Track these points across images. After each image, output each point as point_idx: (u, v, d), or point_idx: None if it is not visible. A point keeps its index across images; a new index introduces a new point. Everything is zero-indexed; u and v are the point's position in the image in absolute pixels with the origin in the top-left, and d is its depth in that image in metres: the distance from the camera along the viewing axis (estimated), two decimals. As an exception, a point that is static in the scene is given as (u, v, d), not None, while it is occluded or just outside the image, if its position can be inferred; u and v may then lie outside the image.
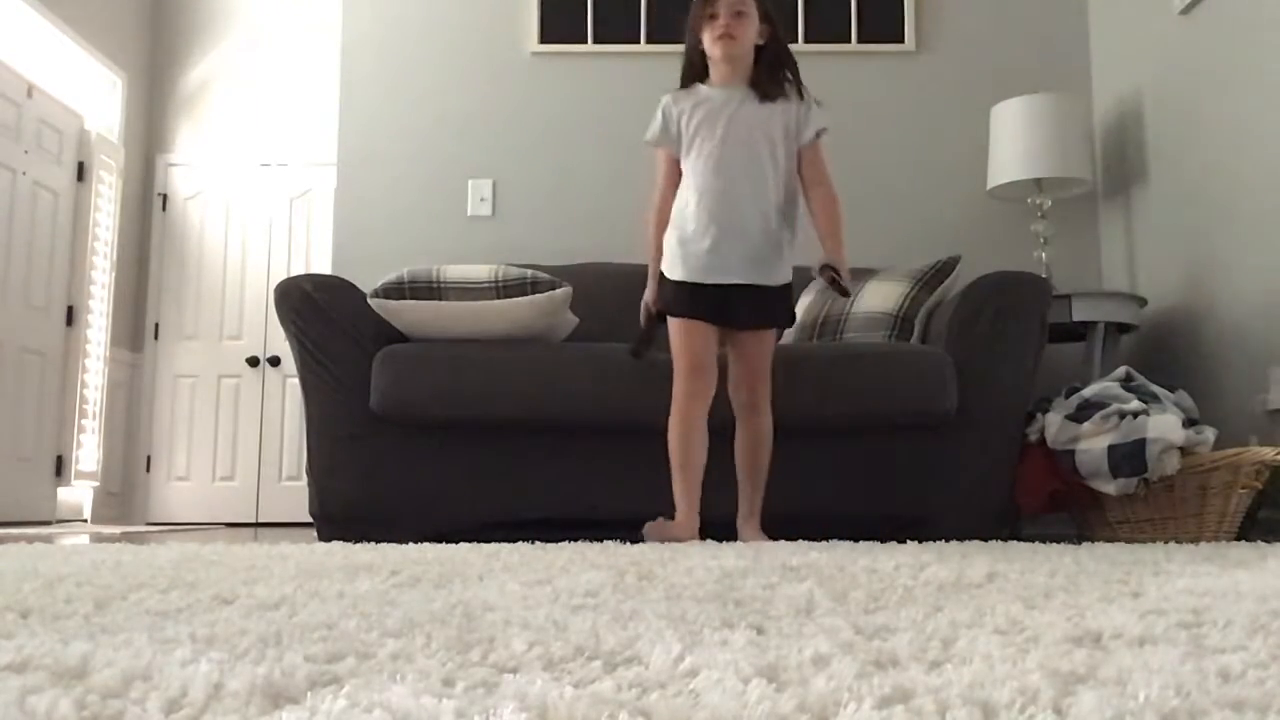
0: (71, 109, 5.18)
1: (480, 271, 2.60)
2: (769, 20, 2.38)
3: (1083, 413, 2.47)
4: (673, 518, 2.32)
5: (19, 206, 4.73)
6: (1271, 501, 2.48)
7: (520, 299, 2.56)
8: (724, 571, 1.31)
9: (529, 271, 2.61)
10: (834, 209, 2.40)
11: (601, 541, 2.13)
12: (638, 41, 3.77)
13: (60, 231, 5.07)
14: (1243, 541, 2.22)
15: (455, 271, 2.61)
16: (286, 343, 2.70)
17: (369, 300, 2.62)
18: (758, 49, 2.38)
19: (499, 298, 2.56)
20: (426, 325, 2.61)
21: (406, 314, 2.59)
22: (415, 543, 2.19)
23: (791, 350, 2.86)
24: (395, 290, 2.59)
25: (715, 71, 2.40)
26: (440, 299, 2.57)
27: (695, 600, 1.02)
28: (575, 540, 2.24)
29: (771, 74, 2.38)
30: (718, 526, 2.37)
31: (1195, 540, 2.32)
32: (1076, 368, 3.30)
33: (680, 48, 3.89)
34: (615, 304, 2.99)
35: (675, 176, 2.43)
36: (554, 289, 2.57)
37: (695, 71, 2.43)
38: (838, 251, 2.34)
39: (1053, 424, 2.50)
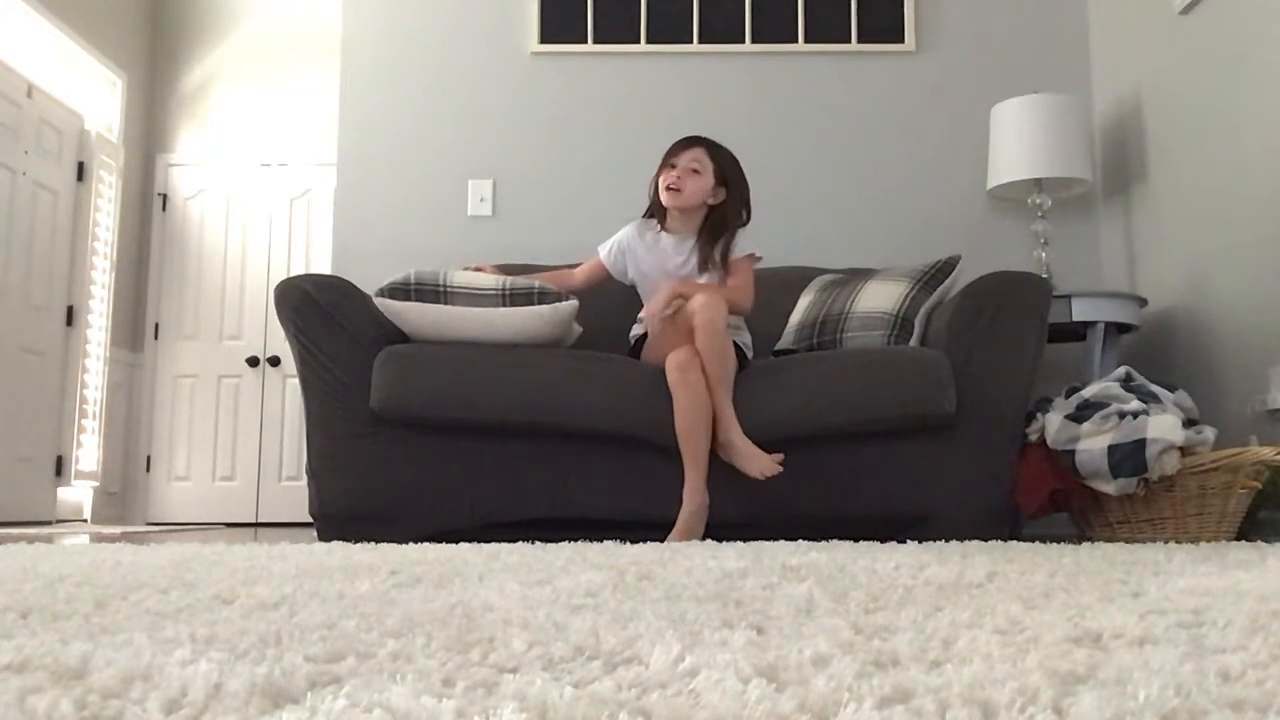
0: (71, 109, 5.18)
1: (487, 280, 2.62)
2: (726, 184, 2.68)
3: (1083, 413, 2.46)
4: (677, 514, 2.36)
5: (19, 206, 4.73)
6: (1271, 501, 2.47)
7: (526, 309, 2.57)
8: (724, 571, 1.31)
9: (536, 282, 2.62)
10: (731, 295, 2.58)
11: (601, 541, 2.13)
12: (638, 41, 3.77)
13: (60, 231, 5.07)
14: (1243, 541, 2.22)
15: (462, 277, 2.62)
16: (286, 343, 2.70)
17: (374, 299, 2.62)
18: (711, 206, 2.69)
19: (505, 306, 2.57)
20: (430, 328, 2.61)
21: (411, 316, 2.59)
22: (415, 543, 2.19)
23: (790, 357, 2.86)
24: (401, 291, 2.59)
25: (670, 216, 2.73)
26: (446, 303, 2.58)
27: (695, 600, 1.02)
28: (575, 540, 2.24)
29: (712, 239, 2.68)
30: (718, 527, 2.38)
31: (1195, 540, 2.32)
32: (1076, 368, 3.30)
33: (681, 48, 3.92)
34: (615, 304, 2.98)
35: (593, 276, 2.88)
36: (560, 300, 2.58)
37: (657, 208, 2.75)
38: (690, 283, 2.59)
39: (1053, 424, 2.49)
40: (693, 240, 2.72)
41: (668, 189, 2.67)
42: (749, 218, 2.76)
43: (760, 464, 2.33)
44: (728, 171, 2.70)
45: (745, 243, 2.73)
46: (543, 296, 2.58)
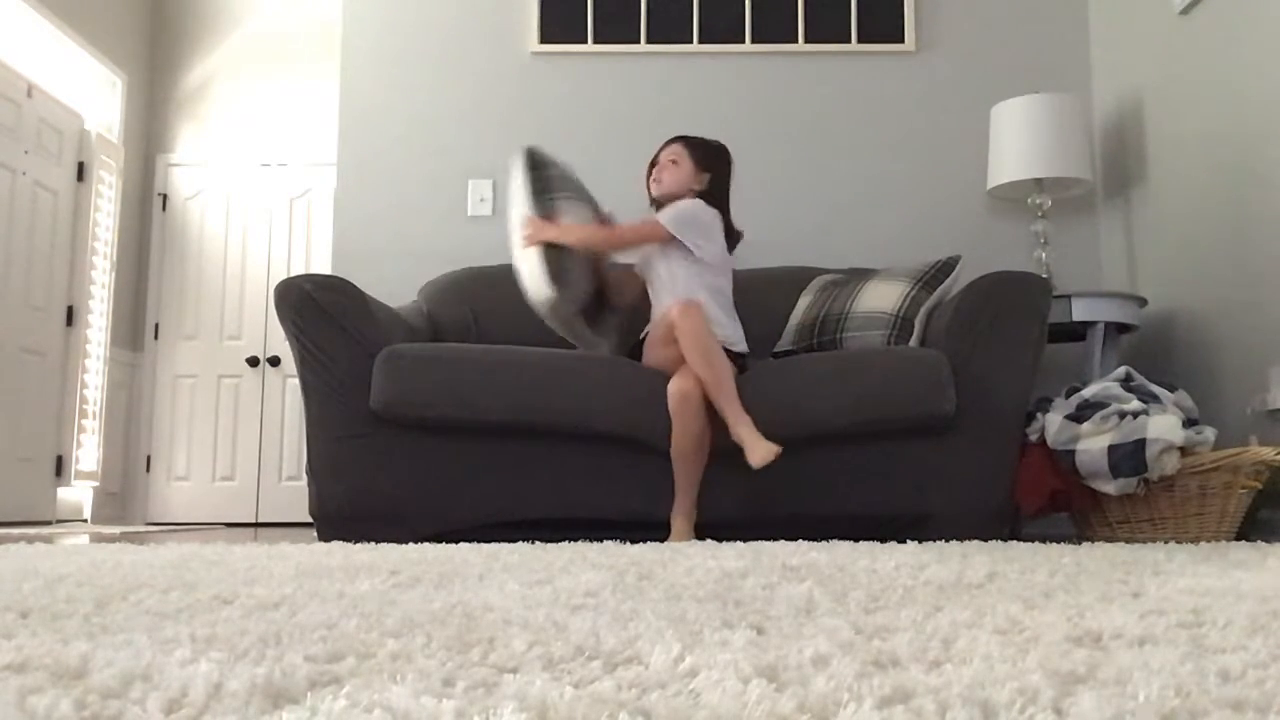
0: (71, 109, 5.18)
1: (592, 226, 2.75)
2: (708, 169, 2.79)
3: (1083, 413, 2.47)
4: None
5: (19, 206, 4.73)
6: (1271, 501, 2.48)
7: (581, 323, 2.71)
8: (724, 571, 1.31)
9: (610, 311, 2.80)
10: (608, 235, 2.77)
11: (601, 541, 2.13)
12: (638, 41, 3.77)
13: (60, 231, 5.07)
14: (1243, 541, 2.22)
15: (577, 217, 2.73)
16: (286, 343, 2.70)
17: (525, 149, 2.76)
18: (698, 192, 2.76)
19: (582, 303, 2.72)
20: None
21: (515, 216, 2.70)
22: (415, 543, 2.19)
23: (790, 358, 2.86)
24: (542, 161, 2.77)
25: None
26: (550, 197, 2.70)
27: (695, 600, 1.02)
28: (575, 540, 2.24)
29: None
30: (718, 527, 2.38)
31: (1195, 540, 2.32)
32: (1076, 368, 3.30)
33: (681, 48, 3.92)
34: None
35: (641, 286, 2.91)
36: (600, 339, 2.75)
37: (657, 207, 2.83)
38: (569, 231, 2.69)
39: (1053, 424, 2.49)
40: None
41: (652, 181, 2.83)
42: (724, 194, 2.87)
43: (757, 453, 2.30)
44: (706, 159, 2.81)
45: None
46: (592, 324, 2.74)
